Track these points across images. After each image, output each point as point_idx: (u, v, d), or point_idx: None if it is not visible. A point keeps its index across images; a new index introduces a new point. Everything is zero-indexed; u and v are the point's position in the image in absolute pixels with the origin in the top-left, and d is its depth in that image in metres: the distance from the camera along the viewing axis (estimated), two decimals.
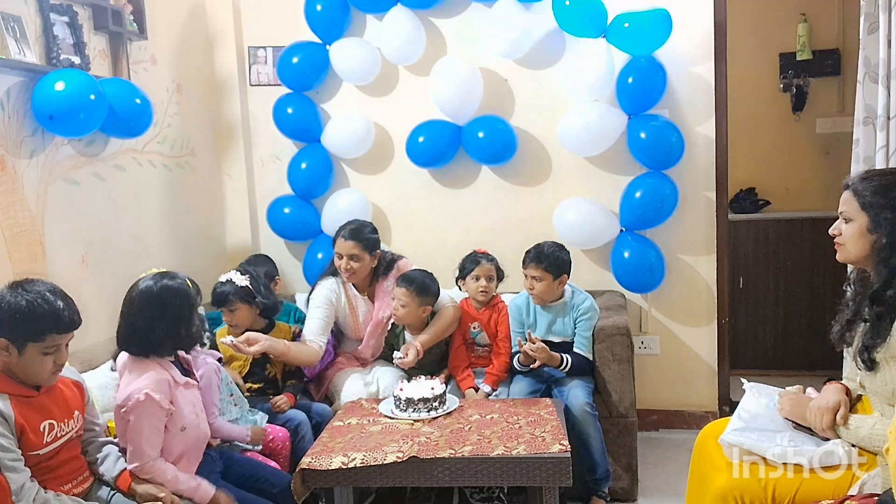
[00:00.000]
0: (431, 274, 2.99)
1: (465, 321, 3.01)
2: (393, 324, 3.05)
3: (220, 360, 2.51)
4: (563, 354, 2.81)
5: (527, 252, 2.90)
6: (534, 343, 2.72)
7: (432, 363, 2.98)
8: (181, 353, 2.23)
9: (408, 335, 2.99)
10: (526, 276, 2.88)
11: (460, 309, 3.02)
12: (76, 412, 1.97)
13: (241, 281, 2.75)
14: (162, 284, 2.11)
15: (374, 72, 3.54)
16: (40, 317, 1.80)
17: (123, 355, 2.17)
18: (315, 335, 2.87)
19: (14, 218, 2.37)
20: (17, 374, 1.84)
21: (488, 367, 2.94)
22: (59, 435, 1.89)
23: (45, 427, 1.85)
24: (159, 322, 2.07)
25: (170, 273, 2.17)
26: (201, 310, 2.33)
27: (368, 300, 3.06)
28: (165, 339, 2.09)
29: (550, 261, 2.84)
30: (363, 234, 2.96)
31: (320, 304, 2.96)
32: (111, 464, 2.03)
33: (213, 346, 2.74)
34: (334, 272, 3.05)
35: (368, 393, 2.85)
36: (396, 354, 2.81)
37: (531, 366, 2.78)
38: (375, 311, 3.04)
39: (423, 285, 2.90)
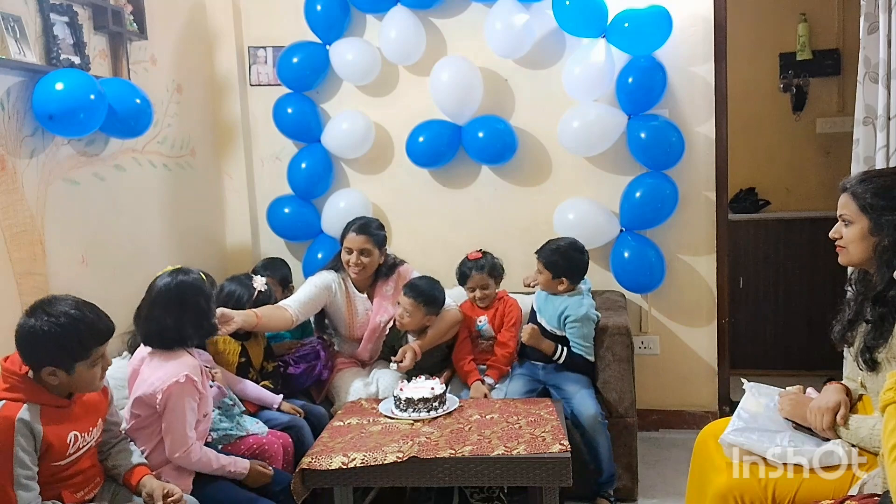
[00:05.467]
0: (438, 283, 2.98)
1: (471, 316, 3.03)
2: (393, 327, 3.04)
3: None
4: (558, 345, 2.83)
5: (546, 242, 2.95)
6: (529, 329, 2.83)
7: (434, 364, 2.98)
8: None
9: (409, 336, 2.99)
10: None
11: (462, 313, 3.02)
12: (99, 420, 1.97)
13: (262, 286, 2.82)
14: (178, 281, 2.23)
15: (374, 72, 3.54)
16: (78, 336, 1.80)
17: (142, 349, 2.22)
18: (295, 304, 2.83)
19: (14, 218, 2.37)
20: (65, 390, 1.84)
21: (491, 359, 2.95)
22: (81, 445, 1.88)
23: (71, 438, 1.84)
24: (184, 317, 2.19)
25: (183, 269, 2.28)
26: None
27: (367, 299, 3.06)
28: (193, 333, 2.22)
29: (551, 260, 2.88)
30: (372, 228, 2.98)
31: (316, 285, 2.96)
32: (124, 458, 2.03)
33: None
34: (335, 267, 3.05)
35: (368, 393, 2.85)
36: (393, 365, 2.80)
37: (526, 342, 2.84)
38: (373, 315, 3.03)
39: (431, 297, 2.90)
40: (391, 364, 2.82)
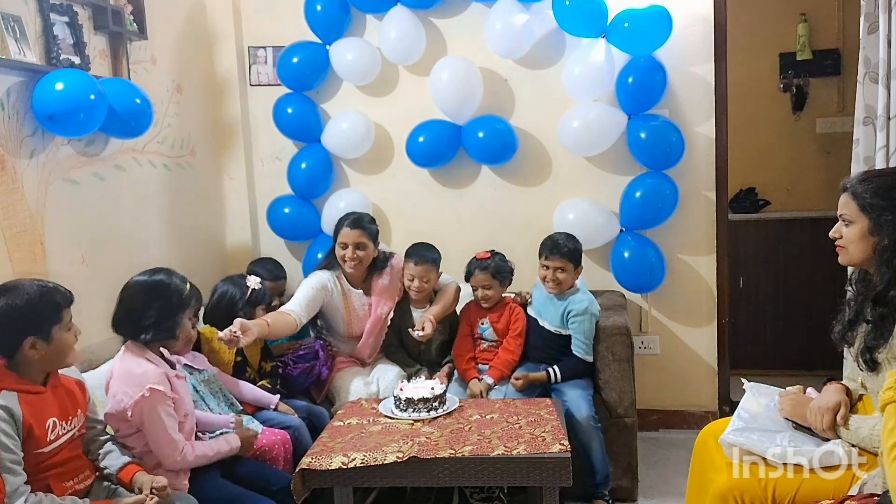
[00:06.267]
0: (426, 242, 3.10)
1: (474, 317, 3.04)
2: (397, 312, 3.08)
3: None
4: (548, 369, 2.85)
5: (545, 244, 2.94)
6: (517, 381, 2.84)
7: (434, 352, 3.06)
8: (165, 352, 2.28)
9: (415, 313, 3.07)
10: (547, 266, 2.90)
11: (459, 287, 3.11)
12: (79, 411, 1.99)
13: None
14: (155, 278, 2.21)
15: (374, 72, 3.54)
16: (47, 301, 1.87)
17: (112, 362, 2.21)
18: (296, 307, 2.87)
19: (14, 218, 2.37)
20: (46, 364, 1.89)
21: (493, 360, 2.95)
22: (61, 433, 1.90)
23: (49, 425, 1.86)
24: (147, 310, 2.15)
25: (167, 269, 2.26)
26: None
27: (363, 294, 3.07)
28: (150, 329, 2.16)
29: (571, 252, 2.92)
30: (365, 222, 3.01)
31: (313, 285, 2.98)
32: (114, 458, 2.04)
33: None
34: (328, 266, 3.06)
35: (368, 393, 2.85)
36: (416, 333, 2.85)
37: (519, 390, 2.85)
38: (374, 308, 3.05)
39: (435, 258, 3.05)
40: (415, 332, 2.86)
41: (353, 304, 3.05)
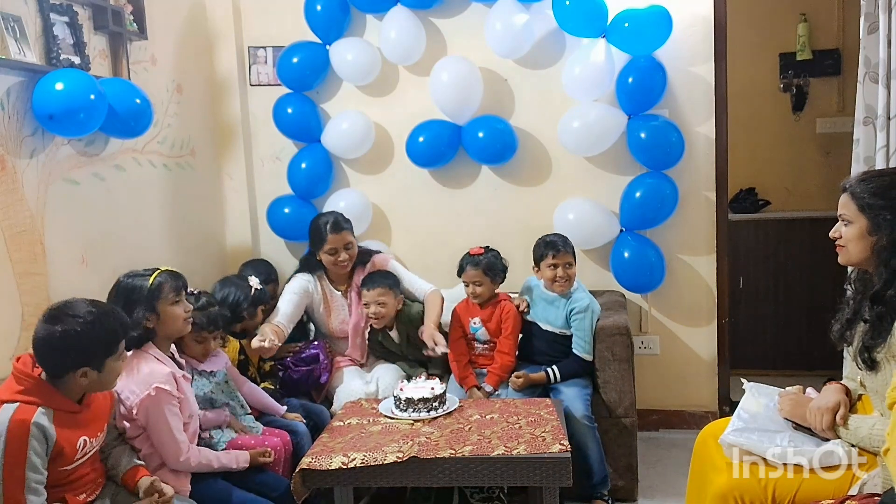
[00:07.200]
0: (381, 270, 3.07)
1: (465, 317, 3.02)
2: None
3: None
4: (547, 369, 2.84)
5: (546, 244, 2.93)
6: (518, 379, 2.83)
7: (412, 352, 3.04)
8: (175, 353, 2.29)
9: (390, 331, 3.04)
10: (556, 265, 2.90)
11: (441, 294, 3.07)
12: (105, 425, 1.98)
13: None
14: (117, 283, 2.25)
15: (374, 72, 3.54)
16: (106, 333, 1.84)
17: None
18: (284, 318, 2.89)
19: (14, 218, 2.37)
20: (92, 390, 1.87)
21: (490, 367, 2.94)
22: (88, 451, 1.89)
23: (80, 443, 1.85)
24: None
25: (128, 272, 2.28)
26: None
27: (343, 297, 3.08)
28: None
29: (571, 245, 2.96)
30: (343, 222, 3.03)
31: (296, 291, 3.00)
32: (123, 458, 2.05)
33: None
34: (310, 269, 3.08)
35: (368, 393, 2.85)
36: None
37: (519, 389, 2.85)
38: (353, 307, 3.06)
39: (391, 282, 2.98)
40: (428, 351, 2.83)
41: (333, 304, 3.07)
